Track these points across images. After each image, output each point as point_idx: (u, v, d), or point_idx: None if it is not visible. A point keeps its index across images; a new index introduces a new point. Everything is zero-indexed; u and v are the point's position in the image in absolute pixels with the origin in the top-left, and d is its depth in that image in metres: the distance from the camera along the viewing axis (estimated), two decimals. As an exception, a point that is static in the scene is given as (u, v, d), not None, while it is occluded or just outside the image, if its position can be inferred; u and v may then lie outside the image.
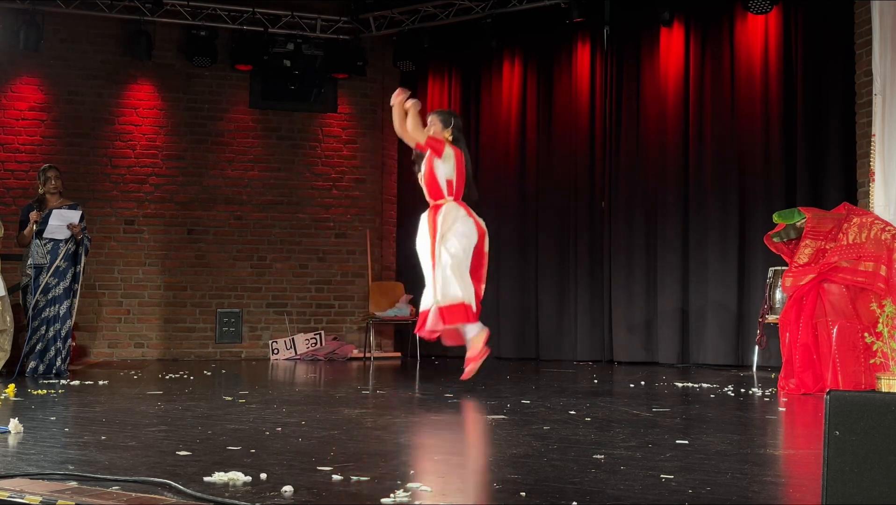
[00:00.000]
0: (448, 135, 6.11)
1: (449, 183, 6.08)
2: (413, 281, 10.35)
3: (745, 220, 8.73)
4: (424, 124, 6.19)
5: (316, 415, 4.57)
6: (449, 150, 6.05)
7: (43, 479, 2.73)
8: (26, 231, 7.36)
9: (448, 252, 5.89)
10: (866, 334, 5.26)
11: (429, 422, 4.69)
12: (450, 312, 5.76)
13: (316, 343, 10.19)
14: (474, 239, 5.99)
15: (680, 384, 6.57)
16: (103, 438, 3.68)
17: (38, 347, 7.25)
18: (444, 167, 6.04)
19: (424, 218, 6.09)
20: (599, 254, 9.68)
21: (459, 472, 3.09)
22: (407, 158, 11.26)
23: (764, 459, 3.30)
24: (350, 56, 10.38)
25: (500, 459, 3.46)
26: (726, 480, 2.77)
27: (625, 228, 9.48)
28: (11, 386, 5.58)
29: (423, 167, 6.12)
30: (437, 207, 6.05)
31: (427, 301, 5.91)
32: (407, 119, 6.03)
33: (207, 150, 10.37)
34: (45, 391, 5.80)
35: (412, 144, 6.08)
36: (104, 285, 10.01)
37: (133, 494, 2.49)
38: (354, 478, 2.76)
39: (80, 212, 7.50)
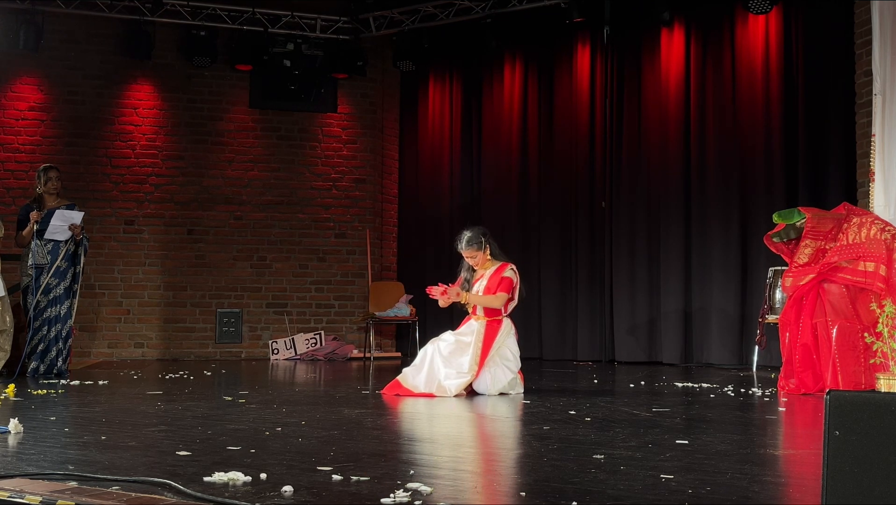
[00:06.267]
0: (487, 254, 6.13)
1: (507, 301, 6.12)
2: (413, 281, 10.38)
3: (747, 221, 8.73)
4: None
5: (316, 415, 4.57)
6: (516, 280, 6.10)
7: (43, 479, 2.73)
8: (25, 231, 7.34)
9: (507, 367, 5.98)
10: (866, 334, 5.26)
11: (429, 422, 4.69)
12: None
13: (316, 343, 10.19)
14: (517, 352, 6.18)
15: (680, 384, 6.57)
16: (103, 438, 3.68)
17: (39, 348, 7.25)
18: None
19: (477, 325, 6.00)
20: (601, 254, 9.69)
21: (460, 472, 3.09)
22: (407, 158, 11.31)
23: (764, 459, 3.30)
24: (350, 56, 10.38)
25: (500, 459, 3.46)
26: (726, 480, 2.77)
27: (626, 229, 9.49)
28: (11, 386, 5.58)
29: (483, 285, 6.09)
30: (497, 322, 6.03)
31: (456, 380, 5.84)
32: (470, 301, 6.03)
33: (207, 150, 10.37)
34: (45, 391, 5.80)
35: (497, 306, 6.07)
36: (104, 285, 10.01)
37: (133, 494, 2.49)
38: (354, 478, 2.76)
39: (83, 213, 7.50)
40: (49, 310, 7.30)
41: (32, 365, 7.21)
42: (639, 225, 9.43)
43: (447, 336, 6.04)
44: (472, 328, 6.03)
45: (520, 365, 6.07)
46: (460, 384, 5.79)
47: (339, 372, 8.28)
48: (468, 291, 6.12)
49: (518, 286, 6.13)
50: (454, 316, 6.32)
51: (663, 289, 9.17)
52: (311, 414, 4.60)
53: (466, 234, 6.13)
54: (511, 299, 6.13)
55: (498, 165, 10.45)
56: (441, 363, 5.86)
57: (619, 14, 9.47)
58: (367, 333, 10.08)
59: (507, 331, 6.07)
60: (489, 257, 6.15)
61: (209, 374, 7.73)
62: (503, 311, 6.11)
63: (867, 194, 7.16)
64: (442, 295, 6.03)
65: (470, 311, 6.15)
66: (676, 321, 9.08)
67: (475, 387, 5.91)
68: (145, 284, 10.15)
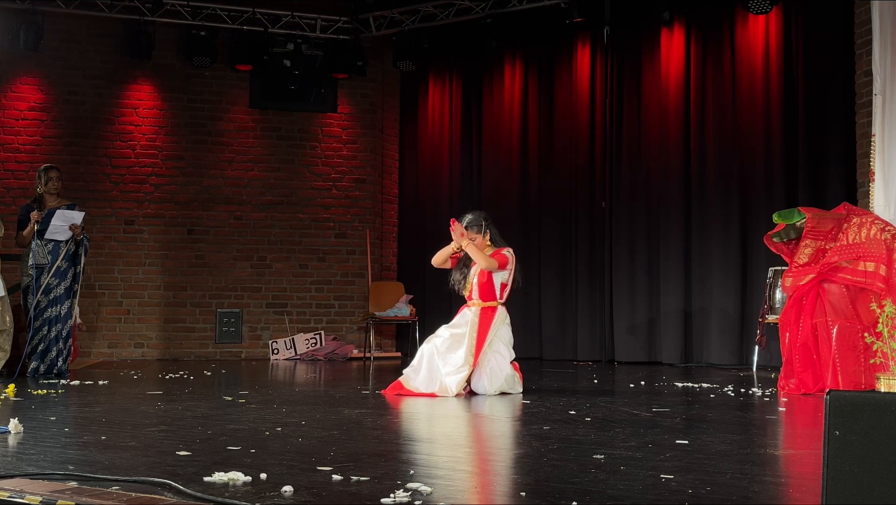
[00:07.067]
0: (487, 239, 6.13)
1: (503, 286, 6.12)
2: (413, 281, 10.38)
3: (747, 221, 8.73)
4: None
5: (316, 415, 4.57)
6: (511, 261, 6.09)
7: (43, 479, 2.73)
8: (26, 231, 7.34)
9: (502, 361, 5.95)
10: (866, 334, 5.26)
11: (428, 422, 4.69)
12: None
13: (316, 343, 10.19)
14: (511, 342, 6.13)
15: (680, 384, 6.57)
16: (103, 438, 3.68)
17: (39, 348, 7.25)
18: (501, 272, 6.07)
19: (470, 314, 6.00)
20: (601, 254, 9.69)
21: (460, 472, 3.09)
22: (407, 158, 11.31)
23: (764, 459, 3.30)
24: (350, 56, 10.38)
25: (500, 459, 3.46)
26: (726, 480, 2.77)
27: (626, 229, 9.49)
28: (11, 386, 5.58)
29: (478, 269, 6.07)
30: (491, 310, 6.02)
31: (456, 378, 5.80)
32: (468, 250, 6.01)
33: (207, 150, 10.37)
34: (45, 391, 5.80)
35: (485, 267, 6.01)
36: (104, 285, 10.01)
37: (133, 494, 2.49)
38: (354, 478, 2.76)
39: (83, 213, 7.50)
40: (49, 310, 7.30)
41: (32, 365, 7.21)
42: (639, 225, 9.43)
43: (442, 332, 6.03)
44: (465, 318, 6.01)
45: (514, 355, 6.05)
46: (460, 380, 5.78)
47: (339, 372, 8.27)
48: (464, 278, 6.11)
49: (514, 272, 6.11)
50: (453, 313, 6.30)
51: (663, 289, 9.17)
52: (311, 414, 4.60)
53: (468, 217, 6.13)
54: (505, 285, 6.10)
55: (498, 165, 10.44)
56: (440, 362, 5.85)
57: (619, 14, 9.47)
58: (367, 333, 10.08)
59: (502, 319, 6.05)
60: (489, 242, 6.14)
61: (209, 374, 7.73)
62: (499, 297, 6.08)
63: (867, 194, 7.16)
64: (453, 230, 6.02)
65: (466, 295, 6.13)
66: (676, 321, 9.08)
67: (474, 387, 5.91)
68: (145, 284, 10.14)
